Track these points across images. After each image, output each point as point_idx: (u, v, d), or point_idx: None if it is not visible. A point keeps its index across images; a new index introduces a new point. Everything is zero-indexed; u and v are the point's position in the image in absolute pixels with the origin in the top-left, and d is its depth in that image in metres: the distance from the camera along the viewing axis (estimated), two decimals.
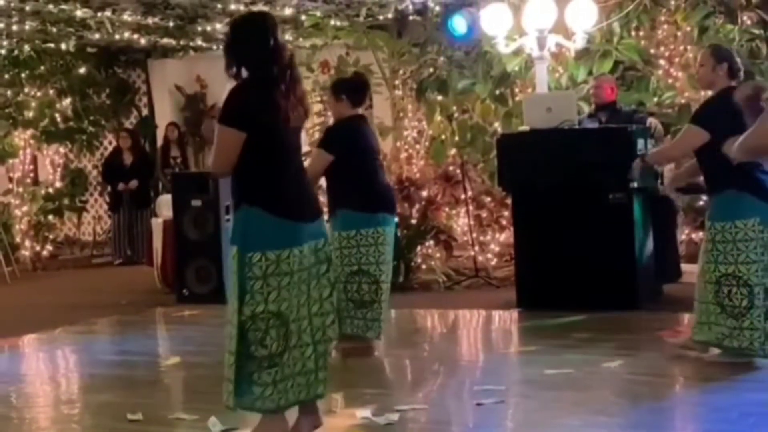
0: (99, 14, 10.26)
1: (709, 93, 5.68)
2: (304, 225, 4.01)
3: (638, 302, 7.20)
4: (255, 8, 9.92)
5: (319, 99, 10.27)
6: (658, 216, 7.67)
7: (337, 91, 6.16)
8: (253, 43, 4.01)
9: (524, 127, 7.89)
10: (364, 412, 4.69)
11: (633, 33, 9.61)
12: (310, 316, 4.02)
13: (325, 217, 4.73)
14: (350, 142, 6.03)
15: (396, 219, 6.49)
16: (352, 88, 6.20)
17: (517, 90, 9.96)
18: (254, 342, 3.90)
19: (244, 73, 4.02)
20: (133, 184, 11.97)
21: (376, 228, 6.05)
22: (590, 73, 9.31)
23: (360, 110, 6.24)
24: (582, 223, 7.31)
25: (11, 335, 7.42)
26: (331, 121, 7.48)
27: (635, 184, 7.09)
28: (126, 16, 10.46)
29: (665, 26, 9.65)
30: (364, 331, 6.10)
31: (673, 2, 9.56)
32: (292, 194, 4.02)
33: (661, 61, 9.57)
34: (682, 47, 9.54)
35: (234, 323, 3.91)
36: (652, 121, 8.05)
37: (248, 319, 3.88)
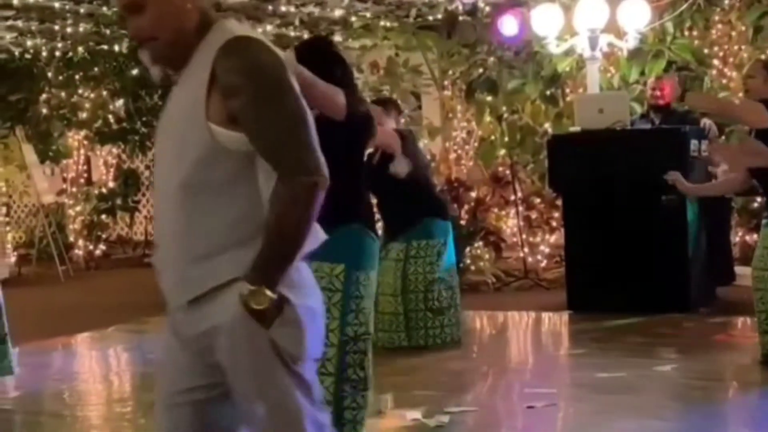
0: None
1: None
2: None
3: (691, 305, 7.11)
4: (306, 10, 9.97)
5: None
6: (711, 218, 7.56)
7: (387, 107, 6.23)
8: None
9: (575, 128, 7.83)
10: (413, 414, 4.68)
11: (686, 33, 9.49)
12: None
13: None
14: (421, 152, 6.24)
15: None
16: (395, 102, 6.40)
17: (567, 90, 9.88)
18: (353, 364, 3.74)
19: None
20: None
21: (448, 235, 6.26)
22: (642, 73, 9.20)
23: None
24: (634, 224, 7.23)
25: (64, 334, 7.52)
26: None
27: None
28: None
29: (719, 26, 9.52)
30: (442, 339, 6.21)
31: (727, 2, 9.42)
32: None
33: (715, 61, 9.44)
34: (736, 47, 9.40)
35: (333, 343, 3.70)
36: (706, 122, 7.93)
37: (350, 340, 3.72)
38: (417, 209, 6.11)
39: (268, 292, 2.12)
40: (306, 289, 2.29)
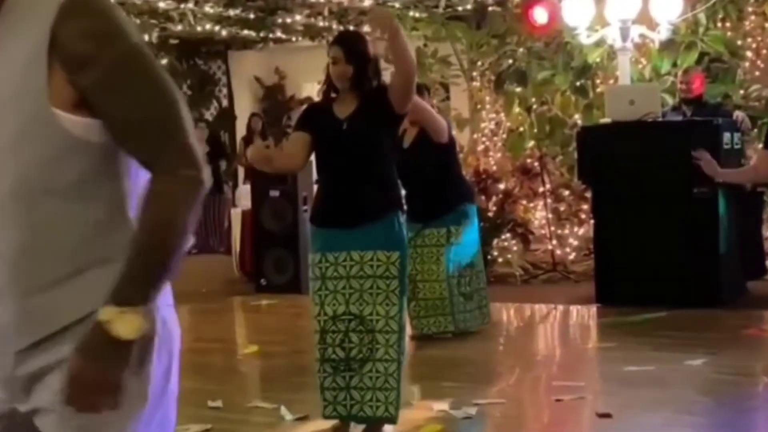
0: (182, 6, 10.41)
1: None
2: None
3: (721, 299, 7.04)
4: (335, 0, 9.97)
5: None
6: (742, 211, 7.49)
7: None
8: None
9: (606, 120, 7.77)
10: (441, 405, 4.67)
11: (719, 24, 9.39)
12: None
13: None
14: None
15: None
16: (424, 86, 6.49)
17: (598, 82, 9.81)
18: (403, 347, 3.92)
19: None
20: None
21: (475, 219, 6.37)
22: (674, 65, 9.12)
23: None
24: (665, 217, 7.17)
25: None
26: None
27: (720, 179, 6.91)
28: (208, 8, 10.60)
29: (752, 17, 9.42)
30: (474, 324, 6.29)
31: None
32: None
33: (748, 53, 9.34)
34: None
35: (395, 329, 3.84)
36: (738, 114, 7.85)
37: (404, 325, 3.93)
38: (454, 194, 6.13)
39: (145, 316, 1.59)
40: (170, 325, 1.76)
